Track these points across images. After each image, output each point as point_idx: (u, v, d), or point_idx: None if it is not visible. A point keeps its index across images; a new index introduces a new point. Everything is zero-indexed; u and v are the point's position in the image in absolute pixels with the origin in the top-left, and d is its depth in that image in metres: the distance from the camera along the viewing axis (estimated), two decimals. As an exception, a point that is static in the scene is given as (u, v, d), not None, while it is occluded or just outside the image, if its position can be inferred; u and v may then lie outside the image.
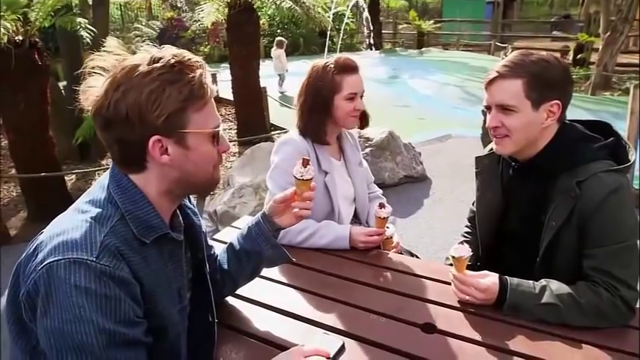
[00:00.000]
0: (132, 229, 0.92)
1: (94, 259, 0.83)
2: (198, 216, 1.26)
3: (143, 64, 0.90)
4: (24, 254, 0.91)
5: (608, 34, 10.18)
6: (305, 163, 1.23)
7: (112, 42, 0.97)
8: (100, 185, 0.98)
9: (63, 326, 0.80)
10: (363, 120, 1.90)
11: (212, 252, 1.35)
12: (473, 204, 1.79)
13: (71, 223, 0.90)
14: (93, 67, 0.92)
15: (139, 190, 0.96)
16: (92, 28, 4.87)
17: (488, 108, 1.41)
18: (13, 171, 5.33)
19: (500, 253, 1.60)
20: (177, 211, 1.11)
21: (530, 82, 1.32)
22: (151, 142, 0.91)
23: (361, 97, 1.79)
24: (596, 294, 1.28)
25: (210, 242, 1.36)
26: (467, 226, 1.85)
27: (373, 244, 1.74)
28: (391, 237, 1.81)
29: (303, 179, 1.23)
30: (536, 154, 1.40)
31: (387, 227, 1.79)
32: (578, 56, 12.74)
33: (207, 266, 1.24)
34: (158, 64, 0.90)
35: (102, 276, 0.83)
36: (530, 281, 1.35)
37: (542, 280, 1.35)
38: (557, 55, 1.38)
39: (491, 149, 1.57)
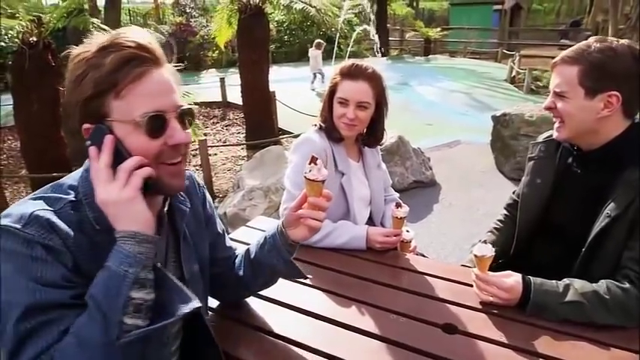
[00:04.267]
0: (85, 213, 0.89)
1: (20, 226, 0.81)
2: (212, 217, 1.23)
3: (86, 50, 0.87)
4: None
5: (617, 42, 10.12)
6: (313, 160, 1.08)
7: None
8: (77, 172, 0.97)
9: None
10: (370, 135, 1.87)
11: (230, 253, 1.31)
12: (514, 192, 1.76)
13: (22, 200, 0.89)
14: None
15: None
16: (105, 27, 4.91)
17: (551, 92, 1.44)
18: (24, 171, 5.36)
19: (532, 246, 1.56)
20: (164, 209, 1.03)
21: (586, 70, 1.32)
22: (83, 130, 0.89)
23: (360, 107, 1.71)
24: (623, 290, 1.27)
25: (230, 243, 1.33)
26: (502, 215, 1.81)
27: (390, 244, 1.73)
28: (410, 241, 1.80)
29: (308, 179, 1.08)
30: (603, 145, 1.38)
31: (407, 231, 1.79)
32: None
33: (217, 267, 1.23)
34: (94, 48, 0.86)
35: (25, 242, 0.81)
36: (553, 281, 1.34)
37: (565, 279, 1.34)
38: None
39: (549, 135, 1.57)
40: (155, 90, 0.88)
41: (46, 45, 4.39)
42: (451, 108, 9.17)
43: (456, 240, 3.76)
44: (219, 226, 1.29)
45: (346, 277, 1.57)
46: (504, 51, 15.70)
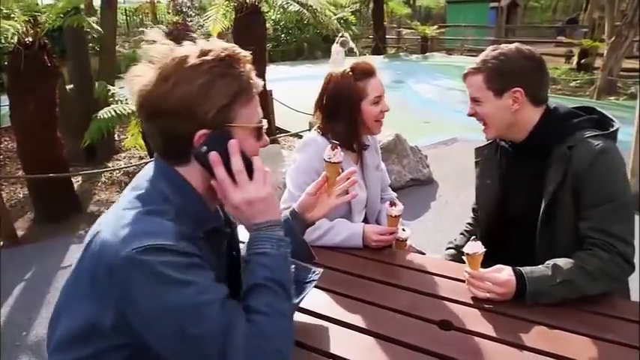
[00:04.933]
0: (187, 222, 0.91)
1: (173, 243, 0.84)
2: None
3: (193, 56, 0.89)
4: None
5: (613, 38, 10.16)
6: (333, 147, 1.29)
7: (154, 33, 0.96)
8: (146, 180, 0.96)
9: (173, 301, 0.81)
10: None
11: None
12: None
13: (127, 219, 0.87)
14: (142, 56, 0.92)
15: (186, 184, 0.94)
16: (99, 28, 4.91)
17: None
18: (21, 172, 5.36)
19: (502, 240, 1.62)
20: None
21: (489, 76, 1.50)
22: (197, 136, 0.90)
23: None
24: (597, 257, 1.34)
25: None
26: (471, 217, 1.95)
27: (385, 242, 1.74)
28: (405, 240, 1.81)
29: (330, 162, 1.29)
30: (529, 134, 1.53)
31: (404, 230, 1.80)
32: (583, 61, 12.79)
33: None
34: (208, 57, 0.89)
35: (184, 254, 0.85)
36: (540, 266, 1.37)
37: (549, 262, 1.37)
38: (526, 49, 1.57)
39: (489, 141, 1.72)
40: (258, 99, 0.99)
41: (42, 45, 4.37)
42: (448, 106, 9.17)
43: (452, 237, 3.77)
44: None
45: (342, 275, 1.57)
46: (501, 48, 15.68)
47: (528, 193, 1.54)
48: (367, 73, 1.74)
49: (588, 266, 1.33)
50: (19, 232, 4.48)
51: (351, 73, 1.74)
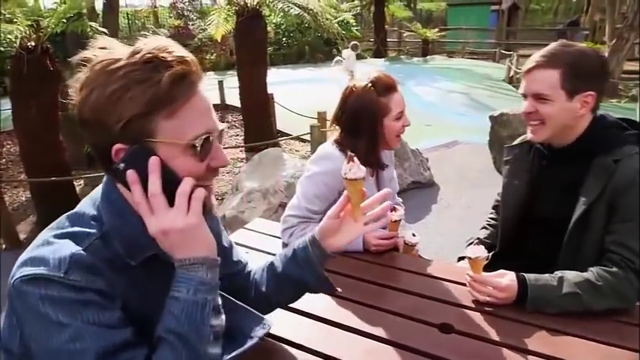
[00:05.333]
0: (116, 249, 0.82)
1: (62, 274, 0.74)
2: (219, 232, 1.14)
3: (118, 60, 0.77)
4: None
5: (614, 41, 10.17)
6: (350, 159, 1.05)
7: (106, 40, 0.84)
8: (90, 199, 0.88)
9: (48, 343, 0.73)
10: None
11: (242, 268, 1.21)
12: (498, 194, 1.80)
13: (39, 241, 0.81)
14: (81, 61, 0.80)
15: (126, 204, 0.84)
16: (104, 30, 4.92)
17: (525, 95, 1.47)
18: (23, 175, 5.37)
19: (522, 241, 1.60)
20: None
21: (566, 73, 1.37)
22: (114, 151, 0.78)
23: None
24: (612, 274, 1.32)
25: (243, 257, 1.23)
26: (490, 214, 1.88)
27: (385, 247, 1.74)
28: (414, 245, 1.80)
29: (348, 178, 1.03)
30: (574, 140, 1.46)
31: (413, 235, 1.79)
32: (584, 64, 12.73)
33: (231, 285, 1.09)
34: (132, 59, 0.76)
35: (74, 289, 0.74)
36: (546, 275, 1.36)
37: (557, 272, 1.37)
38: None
39: (523, 139, 1.64)
40: (204, 108, 0.82)
41: (45, 50, 4.39)
42: (449, 108, 9.18)
43: (454, 240, 3.77)
44: (226, 239, 1.20)
45: (343, 278, 1.58)
46: (502, 51, 15.72)
47: (559, 199, 1.49)
48: (390, 88, 1.69)
49: (599, 282, 1.31)
50: (22, 236, 4.49)
51: (372, 87, 1.68)
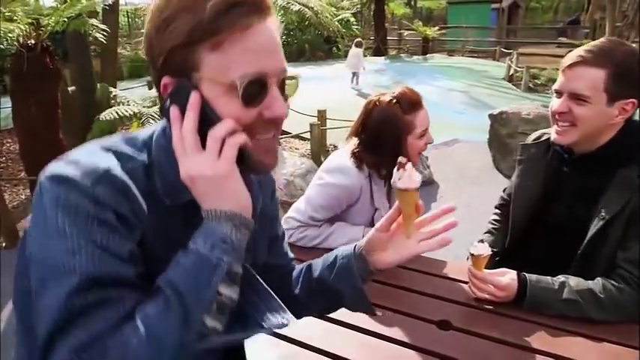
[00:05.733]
0: (155, 183, 0.73)
1: (89, 183, 0.65)
2: (269, 206, 0.98)
3: None
4: None
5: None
6: (400, 165, 0.86)
7: None
8: (151, 129, 0.79)
9: (44, 248, 0.64)
10: None
11: (284, 262, 1.07)
12: (504, 191, 1.76)
13: (89, 147, 0.73)
14: None
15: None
16: (105, 27, 4.92)
17: (559, 92, 1.33)
18: (23, 173, 5.38)
19: (532, 244, 1.56)
20: None
21: (614, 75, 1.24)
22: (162, 86, 0.72)
23: None
24: (618, 290, 1.28)
25: (288, 251, 1.10)
26: (495, 214, 1.80)
27: None
28: None
29: (400, 189, 0.86)
30: (599, 147, 1.35)
31: None
32: (584, 62, 12.75)
33: (267, 275, 0.90)
34: None
35: (94, 201, 0.65)
36: (549, 277, 1.35)
37: (560, 276, 1.35)
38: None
39: (538, 137, 1.55)
40: (261, 46, 0.69)
41: (45, 48, 4.40)
42: (449, 107, 9.18)
43: (454, 239, 3.78)
44: (281, 227, 1.07)
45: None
46: (502, 49, 15.72)
47: (576, 206, 1.42)
48: (415, 104, 1.63)
49: (602, 294, 1.28)
50: (21, 234, 4.49)
51: (397, 103, 1.62)
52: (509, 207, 1.66)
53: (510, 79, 11.94)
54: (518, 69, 11.52)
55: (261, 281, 0.78)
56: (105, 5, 5.00)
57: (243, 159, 0.70)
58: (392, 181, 0.89)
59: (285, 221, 1.78)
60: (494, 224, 1.77)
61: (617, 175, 1.32)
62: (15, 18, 4.05)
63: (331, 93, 9.59)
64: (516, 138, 5.01)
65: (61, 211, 0.64)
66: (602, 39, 1.32)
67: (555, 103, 1.35)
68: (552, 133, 1.40)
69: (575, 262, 1.40)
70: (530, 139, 1.62)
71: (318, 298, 1.01)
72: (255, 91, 0.69)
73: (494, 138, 5.57)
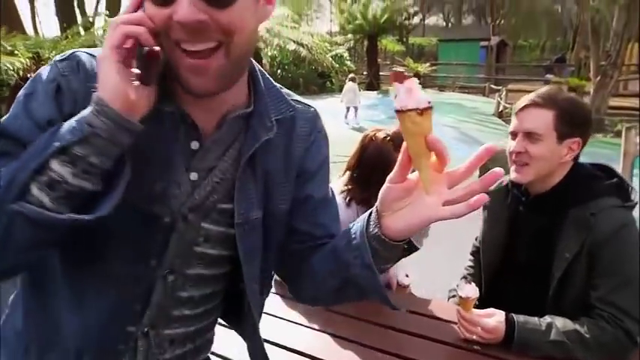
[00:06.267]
0: None
1: (59, 58, 0.73)
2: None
3: None
4: None
5: (599, 78, 10.47)
6: (395, 78, 0.62)
7: None
8: None
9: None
10: None
11: (314, 230, 0.86)
12: (476, 239, 1.82)
13: None
14: None
15: None
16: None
17: (514, 134, 1.46)
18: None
19: (503, 287, 1.61)
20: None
21: (560, 116, 1.39)
22: None
23: None
24: (600, 329, 1.31)
25: (326, 221, 0.88)
26: (470, 260, 1.86)
27: None
28: (407, 286, 1.83)
29: (406, 110, 0.61)
30: (551, 187, 1.46)
31: (407, 275, 1.81)
32: (571, 99, 13.09)
33: (292, 242, 0.86)
34: None
35: (51, 72, 0.70)
36: (536, 318, 1.37)
37: (547, 317, 1.38)
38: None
39: (500, 183, 1.62)
40: None
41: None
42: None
43: (445, 275, 3.76)
44: (319, 191, 0.88)
45: (331, 314, 1.59)
46: (491, 86, 16.12)
47: (538, 247, 1.49)
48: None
49: (587, 334, 1.30)
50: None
51: (391, 141, 1.69)
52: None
53: (500, 115, 12.21)
54: (507, 105, 11.79)
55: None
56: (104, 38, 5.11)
57: (144, 62, 0.65)
58: (397, 103, 0.62)
59: None
60: (469, 270, 1.82)
61: (570, 215, 1.41)
62: (16, 52, 4.13)
63: (328, 128, 9.69)
64: (506, 175, 5.07)
65: (31, 81, 0.72)
66: (546, 87, 1.49)
67: (512, 145, 1.47)
68: (511, 172, 1.50)
69: (548, 303, 1.44)
70: (492, 186, 1.68)
71: (328, 274, 0.80)
72: None
73: (484, 173, 5.65)
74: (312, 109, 0.90)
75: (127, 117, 0.63)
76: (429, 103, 0.61)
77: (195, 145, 0.75)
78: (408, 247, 0.81)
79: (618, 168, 4.57)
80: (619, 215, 1.37)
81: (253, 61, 0.79)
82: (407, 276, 1.82)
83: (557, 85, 1.81)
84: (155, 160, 0.73)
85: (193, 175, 0.76)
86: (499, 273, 1.62)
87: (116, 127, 0.63)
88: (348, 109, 11.47)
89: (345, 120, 11.36)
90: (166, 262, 0.77)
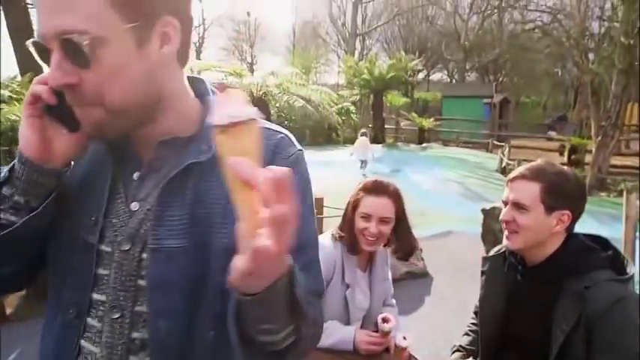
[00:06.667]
0: None
1: None
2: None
3: None
4: None
5: (600, 137, 10.59)
6: (221, 87, 0.69)
7: None
8: None
9: None
10: (400, 249, 1.90)
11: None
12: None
13: None
14: None
15: None
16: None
17: (505, 203, 1.51)
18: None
19: (500, 357, 1.59)
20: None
21: (547, 189, 1.43)
22: None
23: (382, 222, 1.77)
24: None
25: None
26: (472, 319, 1.84)
27: (375, 352, 1.75)
28: (405, 348, 1.82)
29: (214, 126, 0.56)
30: (545, 259, 1.47)
31: (404, 338, 1.80)
32: (573, 157, 13.21)
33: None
34: None
35: None
36: None
37: None
38: (558, 157, 1.54)
39: (498, 249, 1.65)
40: (39, 2, 0.65)
41: None
42: (444, 197, 9.33)
43: (447, 335, 3.70)
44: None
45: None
46: (495, 142, 16.34)
47: (534, 319, 1.47)
48: (370, 189, 1.80)
49: None
50: (8, 310, 4.37)
51: (361, 185, 1.83)
52: None
53: (503, 170, 12.28)
54: (510, 162, 11.91)
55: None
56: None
57: (55, 112, 0.72)
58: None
59: None
60: (471, 327, 1.81)
61: (566, 286, 1.41)
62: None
63: (334, 179, 9.80)
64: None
65: None
66: (538, 160, 1.56)
67: (502, 213, 1.53)
68: (504, 239, 1.55)
69: None
70: (492, 251, 1.72)
71: None
72: (42, 54, 0.68)
73: (487, 232, 5.64)
74: (281, 135, 0.83)
75: (39, 162, 0.72)
76: (244, 118, 0.52)
77: (136, 175, 0.78)
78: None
79: (621, 228, 4.56)
80: (614, 289, 1.37)
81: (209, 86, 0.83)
82: (405, 338, 1.80)
83: (548, 160, 1.83)
84: (96, 192, 0.77)
85: (134, 205, 0.76)
86: (496, 343, 1.60)
87: (30, 170, 0.72)
88: (361, 162, 11.79)
89: (362, 172, 11.72)
90: (109, 296, 0.75)
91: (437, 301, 4.58)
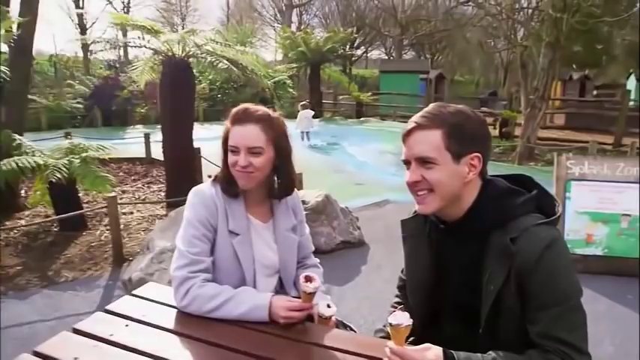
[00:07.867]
0: None
1: None
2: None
3: None
4: None
5: (528, 110, 11.06)
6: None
7: None
8: None
9: None
10: (281, 186, 1.67)
11: None
12: (402, 271, 1.62)
13: None
14: None
15: None
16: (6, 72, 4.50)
17: (407, 163, 1.30)
18: None
19: (436, 324, 1.40)
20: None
21: (449, 133, 1.24)
22: None
23: (253, 153, 1.54)
24: None
25: None
26: (396, 296, 1.68)
27: (296, 319, 1.46)
28: (329, 317, 1.55)
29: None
30: (464, 213, 1.30)
31: (329, 306, 1.55)
32: (504, 130, 13.79)
33: None
34: None
35: None
36: (479, 354, 1.17)
37: (491, 352, 1.18)
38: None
39: (415, 212, 1.43)
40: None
41: None
42: (381, 168, 9.32)
43: (383, 304, 3.54)
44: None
45: (241, 357, 1.28)
46: (430, 116, 16.61)
47: (464, 279, 1.32)
48: (234, 118, 1.59)
49: None
50: None
51: (234, 112, 1.61)
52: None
53: (438, 143, 12.51)
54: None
55: None
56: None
57: None
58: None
59: (172, 278, 1.54)
60: (396, 307, 1.59)
61: (490, 242, 1.24)
62: None
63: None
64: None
65: None
66: (430, 105, 1.32)
67: (407, 175, 1.30)
68: (415, 205, 1.34)
69: (481, 336, 1.25)
70: (411, 212, 1.51)
71: None
72: None
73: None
74: None
75: None
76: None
77: None
78: None
79: (552, 192, 4.62)
80: (541, 235, 1.18)
81: None
82: (329, 306, 1.53)
83: (441, 102, 1.69)
84: None
85: None
86: (430, 312, 1.41)
87: None
88: (302, 133, 11.85)
89: (308, 143, 11.86)
90: None
91: (373, 270, 4.41)
